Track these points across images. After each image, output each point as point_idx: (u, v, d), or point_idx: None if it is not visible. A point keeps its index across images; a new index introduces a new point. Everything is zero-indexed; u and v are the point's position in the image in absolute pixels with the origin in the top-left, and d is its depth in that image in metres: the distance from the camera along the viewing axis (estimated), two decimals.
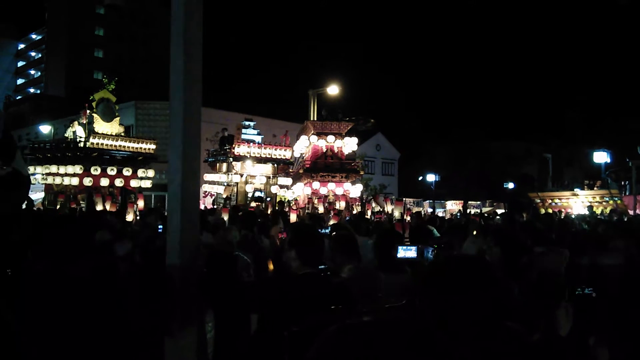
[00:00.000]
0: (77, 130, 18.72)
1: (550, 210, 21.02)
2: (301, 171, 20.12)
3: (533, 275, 2.93)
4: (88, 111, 18.81)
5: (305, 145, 20.65)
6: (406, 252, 4.00)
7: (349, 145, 20.30)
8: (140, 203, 11.81)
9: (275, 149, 20.63)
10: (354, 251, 3.77)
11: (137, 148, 19.65)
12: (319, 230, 5.74)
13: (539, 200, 24.09)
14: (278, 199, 18.79)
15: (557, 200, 23.46)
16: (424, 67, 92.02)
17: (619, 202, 20.36)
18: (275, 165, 20.70)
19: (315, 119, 21.43)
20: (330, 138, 19.74)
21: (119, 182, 18.51)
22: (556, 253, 3.92)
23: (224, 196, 16.75)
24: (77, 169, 17.80)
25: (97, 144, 18.25)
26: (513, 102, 66.71)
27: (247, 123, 22.36)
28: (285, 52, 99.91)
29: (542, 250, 3.78)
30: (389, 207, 14.15)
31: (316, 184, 19.12)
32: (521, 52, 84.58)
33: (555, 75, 71.82)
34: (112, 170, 18.37)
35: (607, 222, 10.18)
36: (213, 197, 20.05)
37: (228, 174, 19.72)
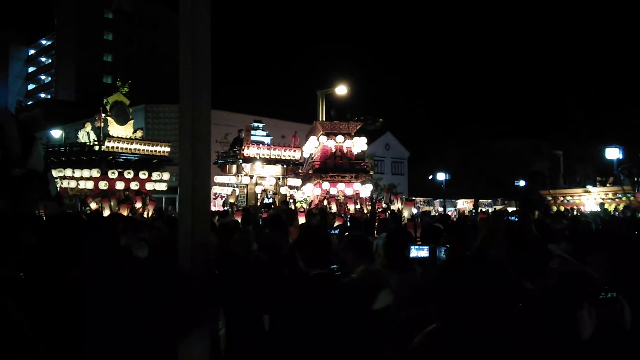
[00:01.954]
0: (90, 133, 18.83)
1: (562, 208, 20.85)
2: (311, 172, 20.12)
3: (553, 276, 2.89)
4: (103, 115, 18.84)
5: (314, 146, 20.65)
6: (418, 251, 4.00)
7: (358, 145, 20.28)
8: (137, 205, 11.96)
9: (285, 150, 20.64)
10: (367, 252, 3.75)
11: (151, 151, 19.70)
12: (327, 230, 5.73)
13: (550, 198, 23.88)
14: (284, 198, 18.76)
15: (569, 198, 23.25)
16: (432, 65, 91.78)
17: (632, 198, 20.11)
18: (285, 166, 20.72)
19: (324, 119, 21.43)
20: (340, 138, 19.74)
21: (134, 186, 18.55)
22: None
23: (231, 201, 16.74)
24: (94, 172, 17.85)
25: (113, 147, 18.31)
26: (522, 99, 66.28)
27: (256, 124, 22.41)
28: (293, 53, 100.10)
29: (565, 258, 3.69)
30: (398, 205, 14.09)
31: (326, 185, 19.12)
32: (529, 51, 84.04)
33: (563, 72, 71.31)
34: (128, 174, 18.40)
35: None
36: (223, 199, 20.10)
37: (238, 176, 19.77)
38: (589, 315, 2.48)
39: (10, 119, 4.81)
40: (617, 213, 16.13)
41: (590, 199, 22.01)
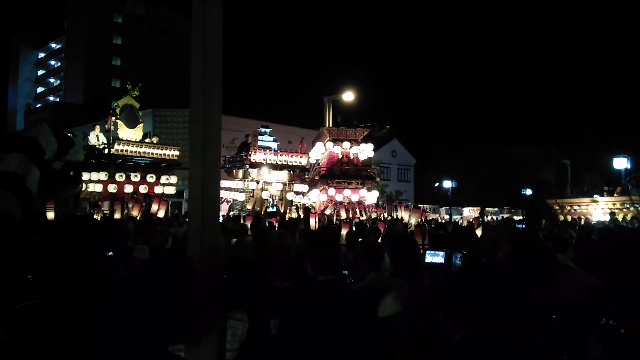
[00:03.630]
0: (99, 136, 18.89)
1: (569, 217, 20.73)
2: (317, 178, 20.13)
3: (559, 295, 2.85)
4: (113, 118, 18.87)
5: (321, 152, 20.67)
6: (434, 257, 3.99)
7: (364, 151, 20.28)
8: (155, 207, 11.96)
9: (291, 156, 20.64)
10: (380, 260, 3.72)
11: (161, 154, 19.70)
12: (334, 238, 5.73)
13: (557, 207, 23.75)
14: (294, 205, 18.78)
15: (576, 207, 23.09)
16: (440, 73, 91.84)
17: None
18: (291, 172, 20.71)
19: (331, 125, 21.45)
20: (346, 144, 19.76)
21: (142, 189, 18.55)
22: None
23: (249, 207, 16.83)
24: (102, 175, 17.88)
25: (122, 150, 18.35)
26: (530, 107, 66.18)
27: (263, 130, 22.47)
28: (300, 59, 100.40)
29: (570, 267, 3.63)
30: (403, 214, 14.07)
31: (332, 191, 19.11)
32: (539, 57, 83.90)
33: (573, 80, 71.12)
34: (135, 177, 18.42)
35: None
36: (229, 204, 20.12)
37: (244, 181, 19.78)
38: (594, 342, 2.46)
39: (41, 133, 5.20)
40: (626, 223, 16.01)
41: (598, 209, 21.85)
